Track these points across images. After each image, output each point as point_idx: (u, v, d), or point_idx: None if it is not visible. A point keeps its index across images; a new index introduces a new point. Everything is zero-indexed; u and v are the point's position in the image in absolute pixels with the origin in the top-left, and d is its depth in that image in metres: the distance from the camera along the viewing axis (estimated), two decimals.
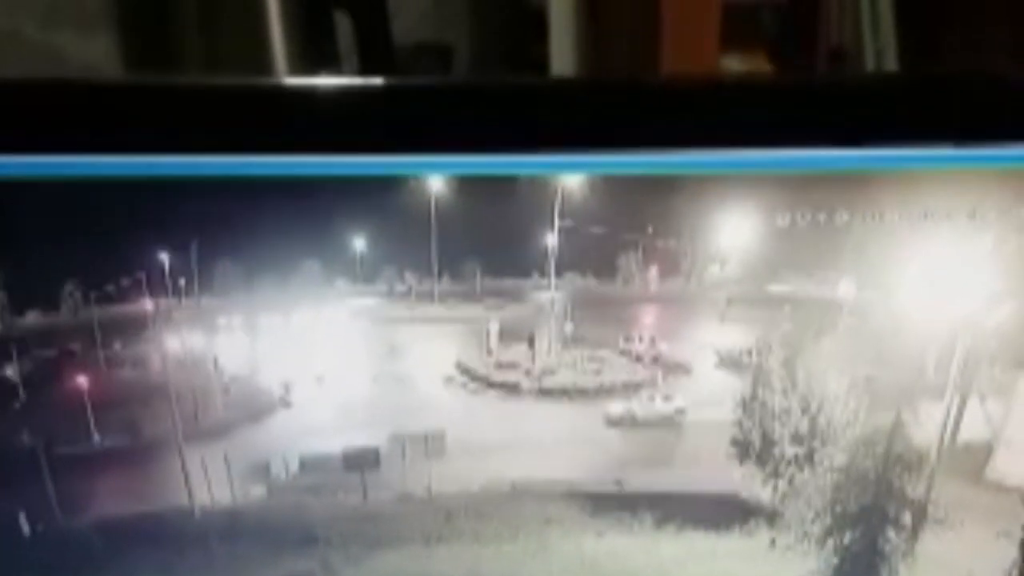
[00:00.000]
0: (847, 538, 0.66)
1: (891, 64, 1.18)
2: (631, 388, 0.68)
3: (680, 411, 0.68)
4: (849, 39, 1.19)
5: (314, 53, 1.12)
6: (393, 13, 1.17)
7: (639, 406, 0.68)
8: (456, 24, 1.30)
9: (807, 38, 1.20)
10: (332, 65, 1.16)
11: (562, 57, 1.11)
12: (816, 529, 0.66)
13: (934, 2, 1.15)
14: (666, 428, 0.68)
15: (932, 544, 0.66)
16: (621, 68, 1.08)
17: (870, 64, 1.18)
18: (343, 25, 1.16)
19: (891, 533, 0.66)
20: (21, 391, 0.63)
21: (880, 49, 1.18)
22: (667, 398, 0.68)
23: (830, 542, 0.66)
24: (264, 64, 1.08)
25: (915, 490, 0.65)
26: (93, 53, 1.20)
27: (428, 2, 1.28)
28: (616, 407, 0.68)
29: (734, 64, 1.14)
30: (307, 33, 1.11)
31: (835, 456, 0.65)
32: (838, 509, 0.66)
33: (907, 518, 0.65)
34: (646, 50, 1.01)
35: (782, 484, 0.66)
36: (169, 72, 1.14)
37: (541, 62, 1.11)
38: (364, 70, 1.16)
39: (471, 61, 1.30)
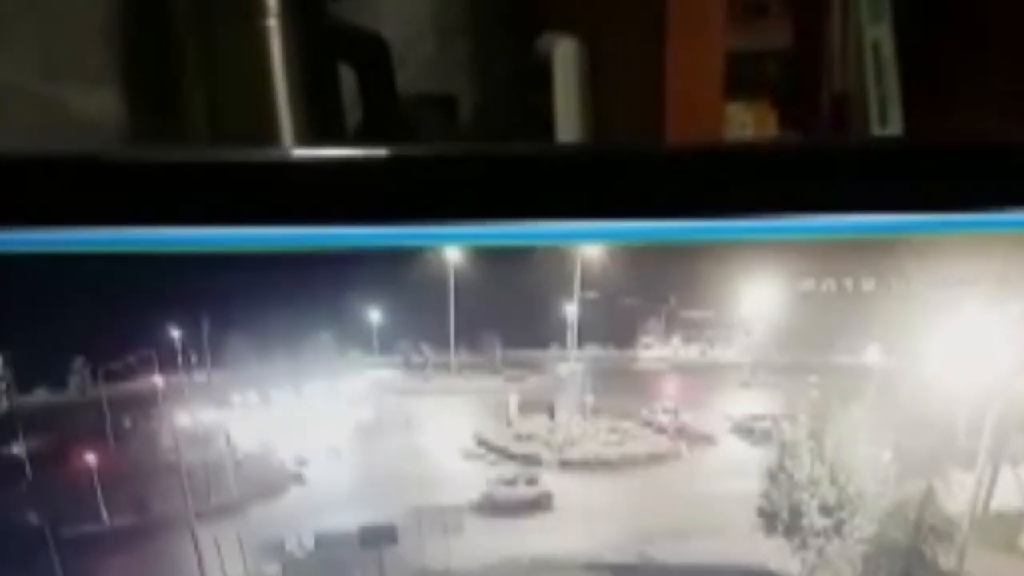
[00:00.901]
0: None
1: (895, 110, 1.18)
2: (654, 459, 0.67)
3: (546, 495, 0.66)
4: (853, 85, 1.19)
5: (319, 105, 1.12)
6: (396, 64, 1.17)
7: (499, 491, 0.66)
8: (459, 74, 1.30)
9: (811, 85, 1.20)
10: (337, 117, 1.15)
11: (566, 106, 1.11)
12: None
13: (938, 48, 1.15)
14: (530, 514, 0.66)
15: None
16: (624, 117, 1.08)
17: (874, 110, 1.18)
18: (347, 76, 1.16)
19: None
20: (28, 469, 0.62)
21: (883, 95, 1.18)
22: (530, 482, 0.66)
23: None
24: (269, 115, 1.08)
25: (947, 560, 0.63)
26: (95, 107, 1.19)
27: (431, 52, 1.29)
28: (473, 493, 0.65)
29: (739, 111, 1.14)
30: (311, 85, 1.10)
31: (865, 527, 0.63)
32: None
33: None
34: (650, 98, 1.01)
35: (811, 556, 0.64)
36: (172, 126, 1.13)
37: (544, 112, 1.11)
38: (368, 121, 1.16)
39: (474, 111, 1.30)
